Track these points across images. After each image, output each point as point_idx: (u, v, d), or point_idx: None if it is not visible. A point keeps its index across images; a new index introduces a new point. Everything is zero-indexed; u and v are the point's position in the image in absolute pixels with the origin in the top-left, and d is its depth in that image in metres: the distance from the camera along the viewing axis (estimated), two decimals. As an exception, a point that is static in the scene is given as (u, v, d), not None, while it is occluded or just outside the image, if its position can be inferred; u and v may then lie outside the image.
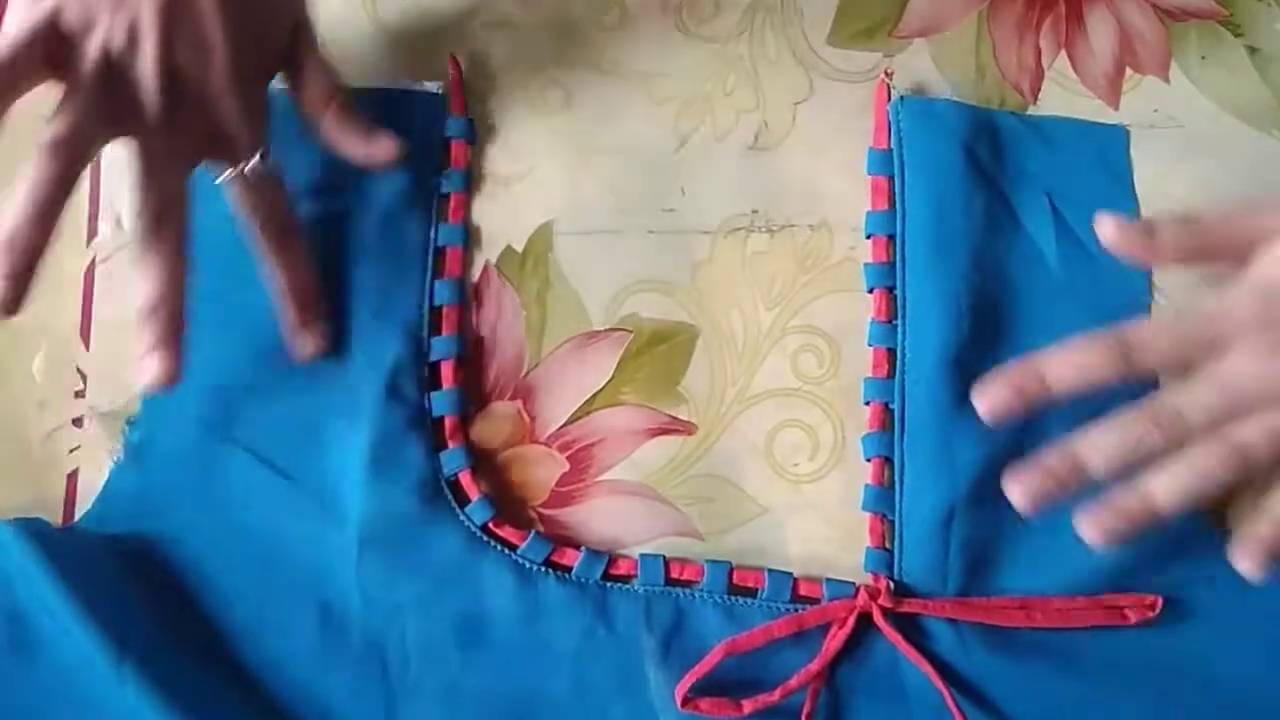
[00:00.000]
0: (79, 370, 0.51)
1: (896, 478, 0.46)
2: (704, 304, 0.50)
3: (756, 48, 0.52)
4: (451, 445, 0.48)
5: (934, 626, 0.45)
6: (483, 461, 0.49)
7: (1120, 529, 0.40)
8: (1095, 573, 0.45)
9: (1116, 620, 0.45)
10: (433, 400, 0.48)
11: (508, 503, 0.49)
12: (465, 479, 0.48)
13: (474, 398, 0.50)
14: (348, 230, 0.49)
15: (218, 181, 0.45)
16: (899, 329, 0.47)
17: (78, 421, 0.50)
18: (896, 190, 0.49)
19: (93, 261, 0.52)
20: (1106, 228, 0.42)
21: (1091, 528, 0.41)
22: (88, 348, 0.51)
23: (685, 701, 0.44)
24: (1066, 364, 0.41)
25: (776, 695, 0.44)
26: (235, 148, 0.45)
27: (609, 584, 0.47)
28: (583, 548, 0.47)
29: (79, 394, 0.51)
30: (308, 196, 0.49)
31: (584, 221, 0.51)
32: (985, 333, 0.47)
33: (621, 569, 0.47)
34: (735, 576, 0.47)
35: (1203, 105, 0.50)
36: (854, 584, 0.46)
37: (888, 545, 0.46)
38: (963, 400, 0.44)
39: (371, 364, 0.48)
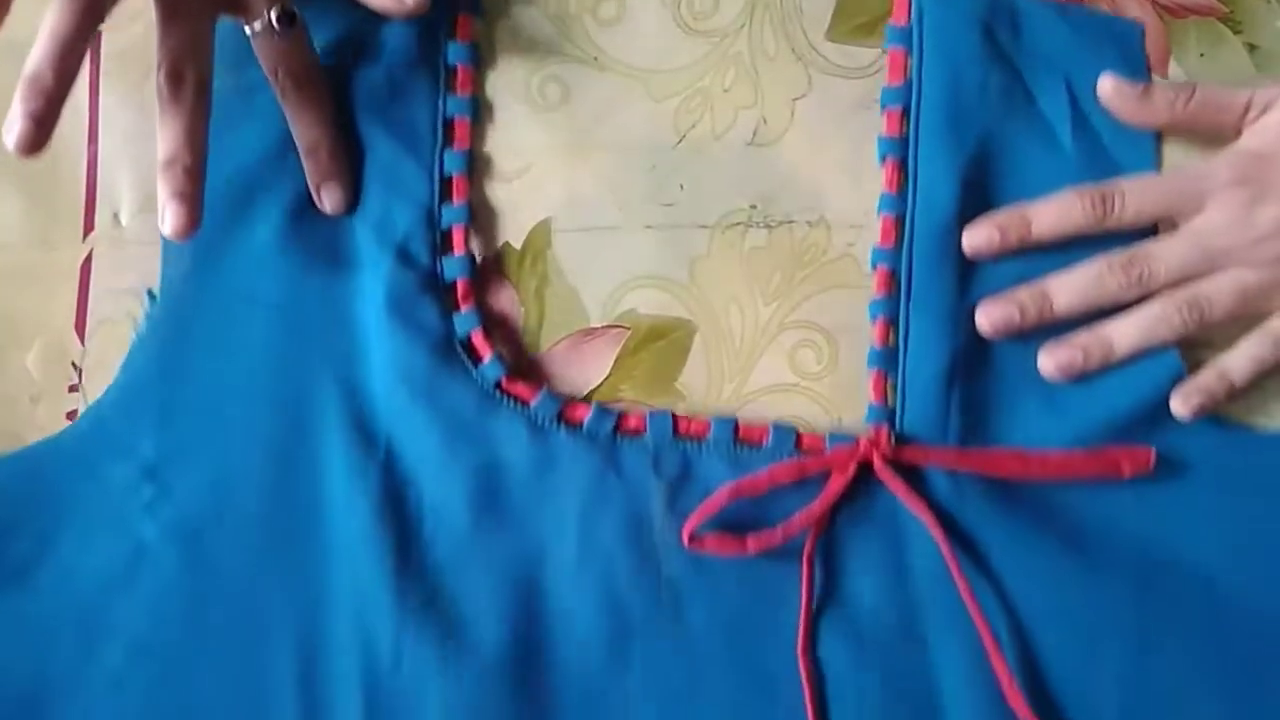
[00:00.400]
0: (74, 365, 0.51)
1: (900, 337, 0.48)
2: (702, 300, 0.51)
3: (755, 44, 0.52)
4: (464, 308, 0.50)
5: (933, 477, 0.47)
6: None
7: (1075, 363, 0.46)
8: (1093, 433, 0.47)
9: (1112, 472, 0.46)
10: (444, 265, 0.50)
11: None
12: (478, 339, 0.49)
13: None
14: (356, 101, 0.50)
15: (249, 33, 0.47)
16: (908, 198, 0.49)
17: (72, 415, 0.51)
18: (913, 65, 0.50)
19: (89, 255, 0.52)
20: (1106, 85, 0.47)
21: (1048, 359, 0.46)
22: (83, 342, 0.51)
23: (691, 539, 0.45)
24: (1051, 210, 0.46)
25: (779, 534, 0.45)
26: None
27: (619, 437, 0.48)
28: (594, 402, 0.49)
29: (73, 388, 0.51)
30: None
31: (582, 218, 0.51)
32: (994, 205, 0.48)
33: (631, 424, 0.48)
34: (741, 431, 0.48)
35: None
36: (856, 436, 0.47)
37: (890, 402, 0.48)
38: (970, 266, 0.47)
39: (382, 231, 0.49)
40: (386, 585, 0.46)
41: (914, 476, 0.46)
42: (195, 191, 0.43)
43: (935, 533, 0.45)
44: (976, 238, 0.46)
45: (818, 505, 0.45)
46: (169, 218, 0.43)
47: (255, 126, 0.49)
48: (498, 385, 0.49)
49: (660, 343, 0.50)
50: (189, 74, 0.43)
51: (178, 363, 0.49)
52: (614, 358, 0.50)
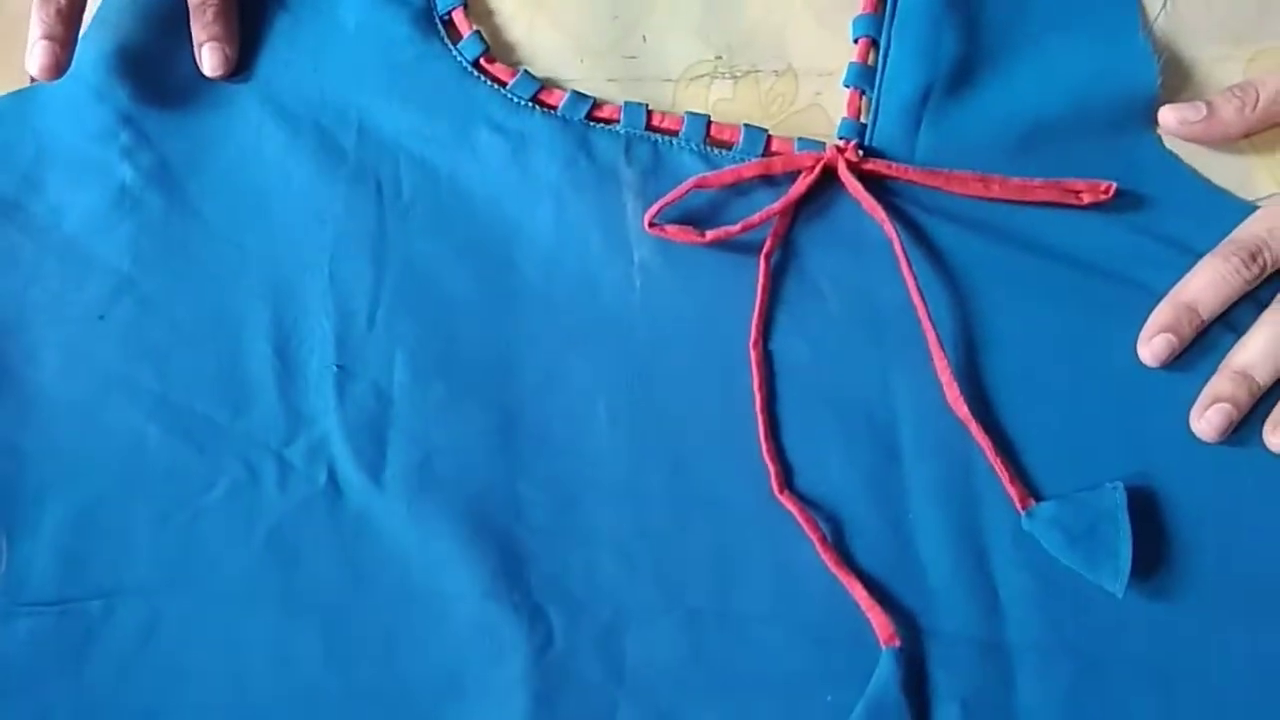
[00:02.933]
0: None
1: (880, 58, 0.48)
2: None
3: (718, -114, 0.51)
4: None
5: (895, 189, 0.47)
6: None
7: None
8: (1060, 163, 0.47)
9: (1071, 200, 0.46)
10: None
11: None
12: (458, 16, 0.50)
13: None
14: None
15: None
16: None
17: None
18: None
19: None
20: (1169, 119, 0.47)
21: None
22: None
23: (652, 225, 0.46)
24: (1208, 288, 0.44)
25: (738, 227, 0.45)
26: None
27: (592, 123, 0.49)
28: (569, 89, 0.49)
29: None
30: None
31: (543, 71, 0.50)
32: None
33: (605, 113, 0.49)
34: (713, 130, 0.48)
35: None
36: (824, 143, 0.47)
37: (862, 118, 0.48)
38: None
39: None
40: (364, 250, 0.47)
41: (878, 187, 0.47)
42: (69, 35, 0.44)
43: (889, 233, 0.45)
44: (1158, 349, 0.44)
45: (779, 203, 0.46)
46: (37, 56, 0.44)
47: None
48: (475, 64, 0.49)
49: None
50: None
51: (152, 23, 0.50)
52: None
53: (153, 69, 0.49)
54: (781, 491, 0.43)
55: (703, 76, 0.50)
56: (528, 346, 0.46)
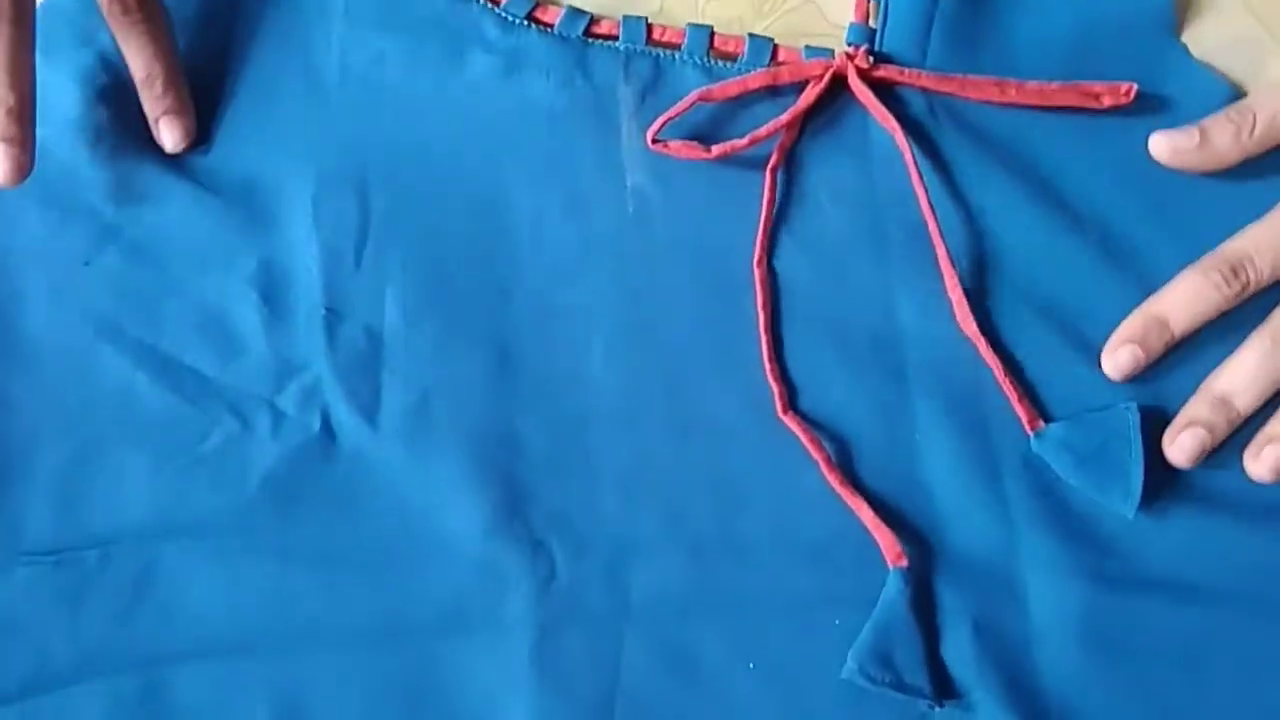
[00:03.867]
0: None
1: None
2: None
3: None
4: None
5: (907, 96, 0.45)
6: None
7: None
8: (1076, 67, 0.45)
9: (1090, 104, 0.44)
10: None
11: None
12: None
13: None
14: None
15: None
16: None
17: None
18: None
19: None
20: (1161, 147, 0.43)
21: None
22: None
23: (655, 141, 0.45)
24: (1182, 302, 0.42)
25: (745, 141, 0.44)
26: None
27: (590, 41, 0.47)
28: (566, 4, 0.48)
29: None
30: None
31: None
32: None
33: (604, 28, 0.47)
34: (716, 41, 0.47)
35: None
36: (832, 50, 0.46)
37: (871, 23, 0.46)
38: None
39: None
40: (347, 187, 0.46)
41: (888, 96, 0.45)
42: (24, 134, 0.41)
43: (902, 144, 0.43)
44: (1122, 361, 0.42)
45: (787, 115, 0.44)
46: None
47: None
48: None
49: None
50: (5, 3, 0.40)
51: None
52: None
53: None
54: (785, 412, 0.43)
55: None
56: (520, 278, 0.45)
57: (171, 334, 0.46)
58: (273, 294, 0.46)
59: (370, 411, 0.44)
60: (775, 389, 0.43)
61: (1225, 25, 0.46)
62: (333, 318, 0.45)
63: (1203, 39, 0.46)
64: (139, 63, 0.45)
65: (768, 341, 0.43)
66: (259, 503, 0.44)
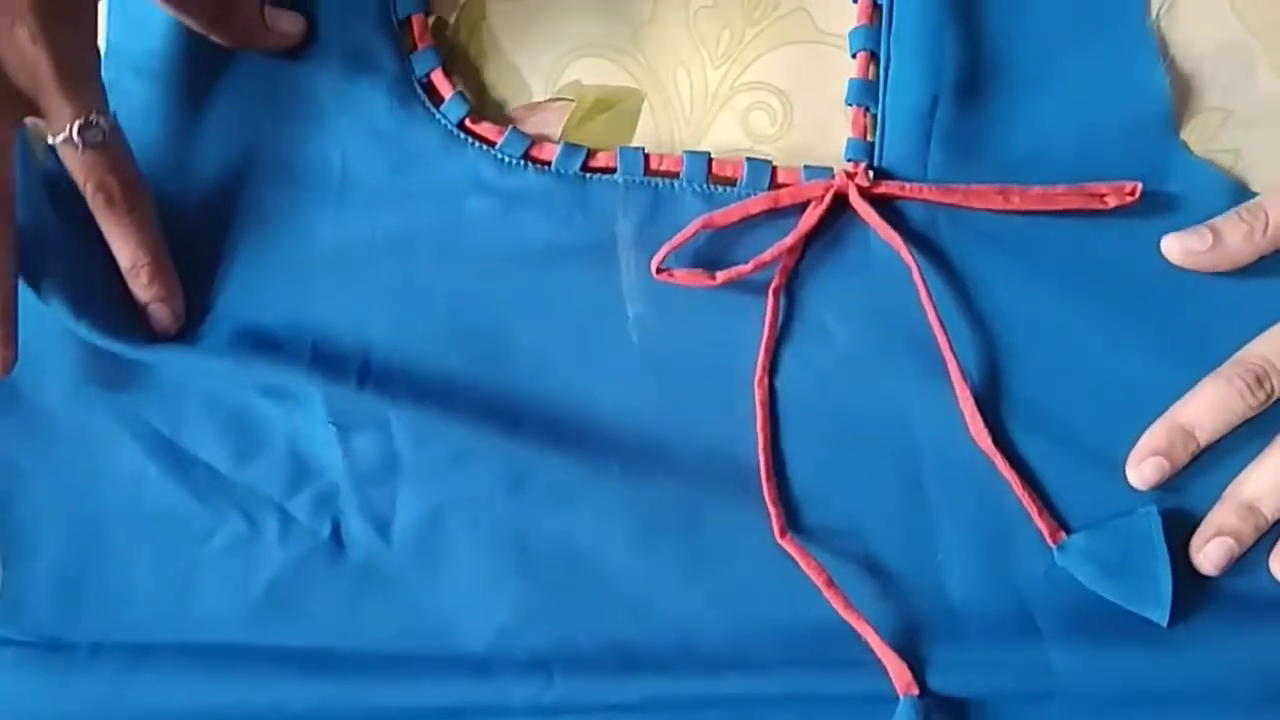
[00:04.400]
0: None
1: (881, 71, 0.46)
2: (649, 66, 0.48)
3: None
4: (421, 46, 0.48)
5: (909, 211, 0.45)
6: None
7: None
8: (1074, 172, 0.44)
9: (1096, 205, 0.44)
10: (396, 2, 0.48)
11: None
12: (438, 78, 0.48)
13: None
14: None
15: (50, 144, 0.43)
16: None
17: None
18: None
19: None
20: (1173, 250, 0.43)
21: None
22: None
23: (660, 271, 0.45)
24: (1207, 412, 0.42)
25: (749, 266, 0.44)
26: (57, 107, 0.41)
27: (588, 175, 0.47)
28: (561, 141, 0.47)
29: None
30: None
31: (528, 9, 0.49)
32: None
33: (600, 161, 0.47)
34: (714, 167, 0.47)
35: None
36: (832, 169, 0.46)
37: (869, 137, 0.46)
38: None
39: None
40: (352, 325, 0.46)
41: (889, 210, 0.45)
42: (6, 332, 0.41)
43: (907, 260, 0.43)
44: (1147, 473, 0.42)
45: (791, 237, 0.44)
46: None
47: None
48: (461, 125, 0.47)
49: (607, 114, 0.48)
50: None
51: None
52: (559, 131, 0.48)
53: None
54: (783, 536, 0.42)
55: None
56: (528, 408, 0.45)
57: (192, 428, 0.46)
58: (292, 407, 0.46)
59: (383, 523, 0.45)
60: (773, 511, 0.43)
61: (1213, 32, 0.46)
62: (346, 432, 0.45)
63: (1191, 46, 0.46)
64: (124, 253, 0.45)
65: (766, 462, 0.43)
66: (261, 608, 0.44)
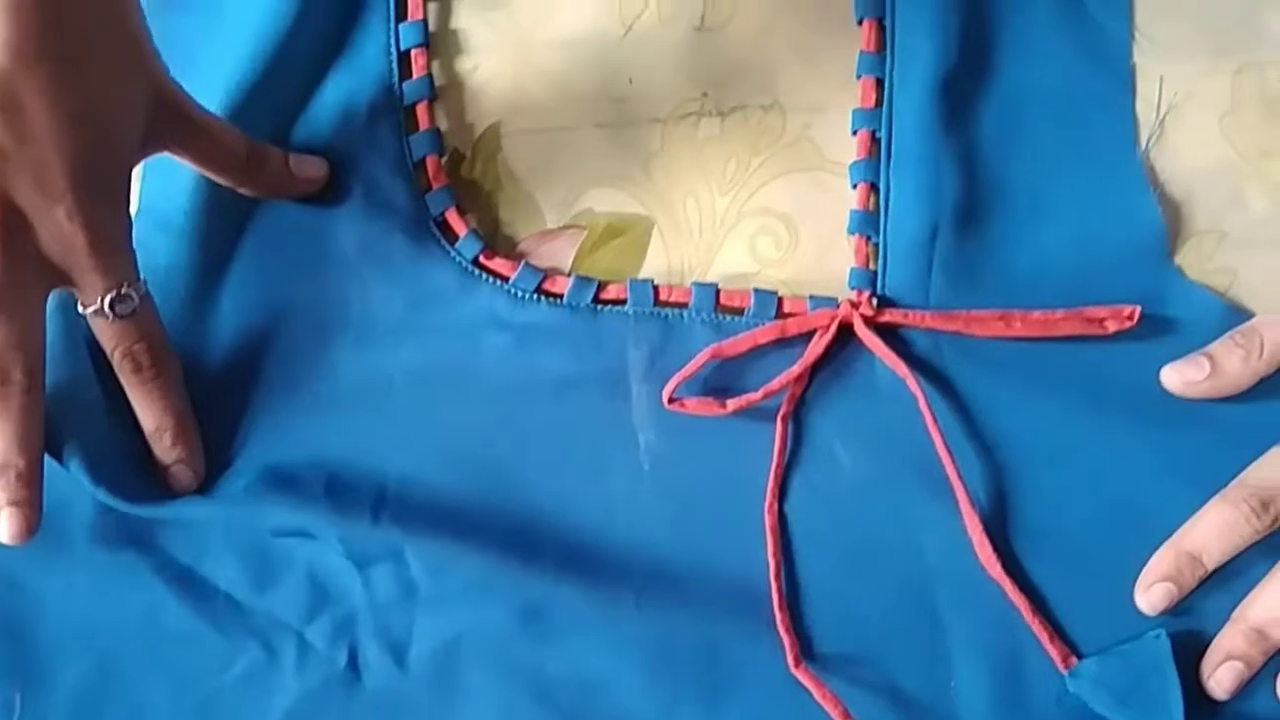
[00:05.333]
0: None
1: (882, 201, 0.47)
2: (658, 194, 0.50)
3: (698, -75, 0.50)
4: (435, 186, 0.50)
5: (913, 338, 0.46)
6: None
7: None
8: (1073, 296, 0.45)
9: (1095, 330, 0.45)
10: (411, 144, 0.50)
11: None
12: (452, 216, 0.49)
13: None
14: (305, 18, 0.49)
15: (81, 313, 0.43)
16: (886, 59, 0.48)
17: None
18: None
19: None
20: (1173, 381, 0.44)
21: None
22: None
23: (671, 400, 0.45)
24: (1214, 537, 0.42)
25: (758, 395, 0.45)
26: (90, 280, 0.42)
27: (599, 307, 0.48)
28: (573, 274, 0.49)
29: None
30: None
31: (531, 119, 0.50)
32: (973, 58, 0.47)
33: (611, 293, 0.48)
34: (722, 297, 0.48)
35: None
36: (837, 299, 0.47)
37: (871, 266, 0.47)
38: (949, 123, 0.47)
39: (347, 115, 0.50)
40: (367, 460, 0.47)
41: (893, 337, 0.46)
42: (32, 495, 0.41)
43: (913, 388, 0.44)
44: (1155, 599, 0.42)
45: (797, 366, 0.45)
46: (4, 525, 0.41)
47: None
48: (475, 262, 0.49)
49: (618, 240, 0.50)
50: (16, 372, 0.41)
51: None
52: (572, 258, 0.50)
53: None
54: (798, 666, 0.42)
55: (690, 115, 0.50)
56: (542, 540, 0.45)
57: (213, 557, 0.47)
58: (308, 535, 0.46)
59: (400, 651, 0.45)
60: (786, 640, 0.43)
61: (1203, 156, 0.47)
62: (363, 564, 0.46)
63: (1182, 171, 0.47)
64: (149, 416, 0.46)
65: (778, 590, 0.44)
66: None
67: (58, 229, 0.41)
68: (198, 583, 0.46)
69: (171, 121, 0.44)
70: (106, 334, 0.44)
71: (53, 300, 0.43)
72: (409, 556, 0.45)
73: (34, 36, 0.38)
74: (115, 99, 0.41)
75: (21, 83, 0.38)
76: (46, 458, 0.43)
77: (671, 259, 0.49)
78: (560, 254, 0.49)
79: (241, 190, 0.48)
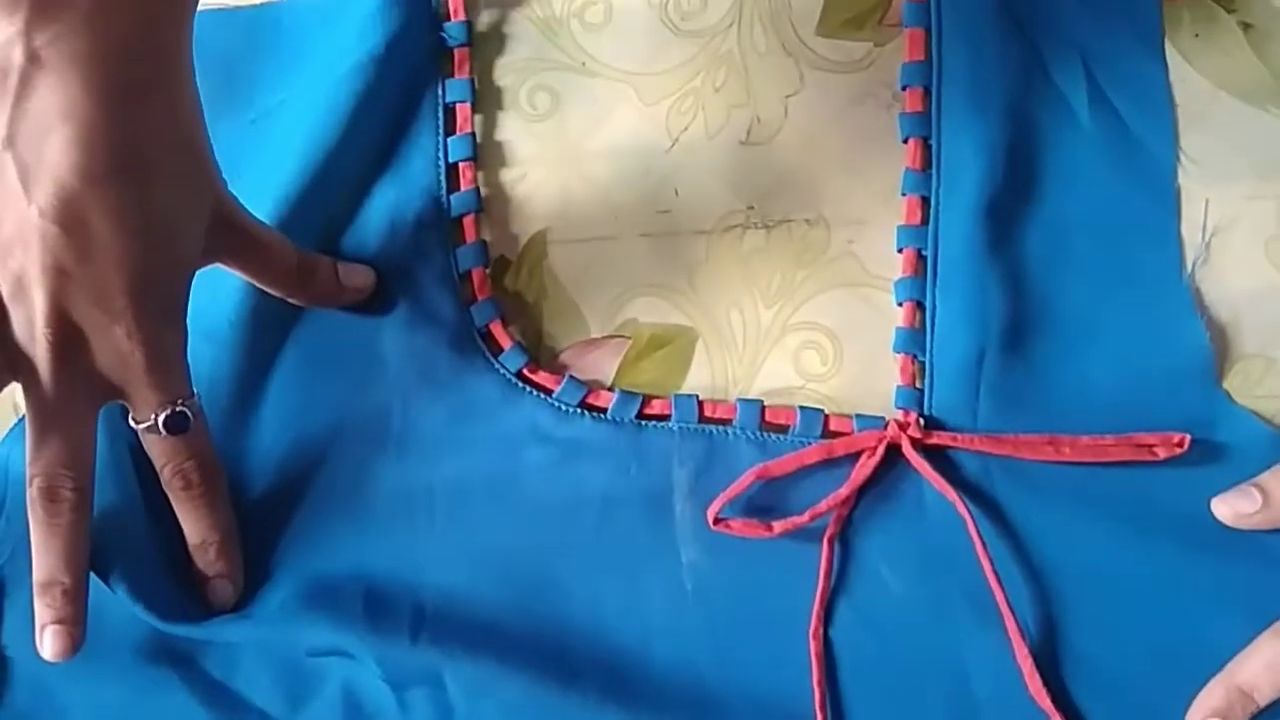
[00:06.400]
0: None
1: (928, 320, 0.47)
2: (703, 305, 0.50)
3: (745, 41, 0.51)
4: (480, 298, 0.50)
5: (961, 460, 0.46)
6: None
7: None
8: (1123, 419, 0.45)
9: (1145, 457, 0.44)
10: (458, 256, 0.50)
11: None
12: (496, 329, 0.49)
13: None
14: (358, 90, 0.49)
15: (133, 427, 0.43)
16: (933, 177, 0.48)
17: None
18: (933, 42, 0.49)
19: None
20: (1224, 514, 0.43)
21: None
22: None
23: (717, 521, 0.45)
24: (1264, 674, 0.41)
25: (805, 517, 0.44)
26: (145, 396, 0.42)
27: (643, 423, 0.48)
28: (617, 389, 0.48)
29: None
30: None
31: (577, 229, 0.51)
32: (1019, 180, 0.47)
33: (656, 409, 0.48)
34: (768, 414, 0.47)
35: (1198, 83, 0.49)
36: (884, 419, 0.46)
37: (918, 384, 0.47)
38: (996, 245, 0.47)
39: (394, 227, 0.50)
40: (406, 577, 0.46)
41: (940, 458, 0.45)
42: (77, 613, 0.41)
43: (963, 512, 0.43)
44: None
45: (845, 488, 0.45)
46: (48, 642, 0.41)
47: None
48: (519, 374, 0.48)
49: (662, 351, 0.50)
50: (66, 491, 0.41)
51: None
52: (616, 368, 0.50)
53: None
54: None
55: (735, 228, 0.50)
56: (583, 662, 0.44)
57: (246, 673, 0.46)
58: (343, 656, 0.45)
59: None
60: None
61: (1249, 281, 0.47)
62: (399, 685, 0.45)
63: (1228, 296, 0.47)
64: (194, 530, 0.45)
65: (822, 718, 0.43)
66: None
67: (115, 346, 0.40)
68: (230, 698, 0.46)
69: (228, 233, 0.44)
70: (157, 449, 0.44)
71: (101, 412, 0.43)
72: (447, 680, 0.44)
73: (103, 157, 0.38)
74: (179, 213, 0.41)
75: (88, 202, 0.38)
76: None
77: (715, 371, 0.49)
78: (604, 364, 0.49)
79: (290, 300, 0.48)
